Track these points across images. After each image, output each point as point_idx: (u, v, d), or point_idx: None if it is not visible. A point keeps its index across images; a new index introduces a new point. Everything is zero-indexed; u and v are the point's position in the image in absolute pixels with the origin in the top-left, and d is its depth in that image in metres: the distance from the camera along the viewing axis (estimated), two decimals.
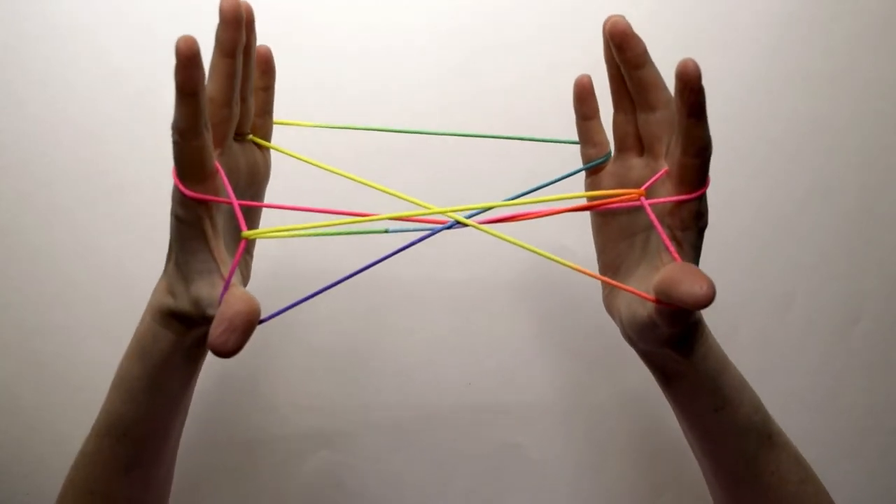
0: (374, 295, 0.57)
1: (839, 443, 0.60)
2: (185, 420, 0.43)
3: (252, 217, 0.43)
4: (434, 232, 0.37)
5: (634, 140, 0.41)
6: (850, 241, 0.60)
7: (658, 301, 0.35)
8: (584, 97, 0.43)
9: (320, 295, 0.36)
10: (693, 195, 0.37)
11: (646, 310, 0.37)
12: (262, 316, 0.33)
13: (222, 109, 0.37)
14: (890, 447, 0.61)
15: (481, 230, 0.37)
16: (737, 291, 0.59)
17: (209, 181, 0.35)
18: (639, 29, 0.37)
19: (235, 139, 0.40)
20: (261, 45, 0.41)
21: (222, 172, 0.36)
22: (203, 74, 0.33)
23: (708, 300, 0.31)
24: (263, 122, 0.43)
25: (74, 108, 0.54)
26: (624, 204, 0.39)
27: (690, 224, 0.37)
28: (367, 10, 0.56)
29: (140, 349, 0.38)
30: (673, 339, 0.38)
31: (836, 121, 0.60)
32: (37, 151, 0.55)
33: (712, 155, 0.36)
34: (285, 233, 0.35)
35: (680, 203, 0.37)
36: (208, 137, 0.35)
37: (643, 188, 0.38)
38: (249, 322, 0.31)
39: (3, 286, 0.55)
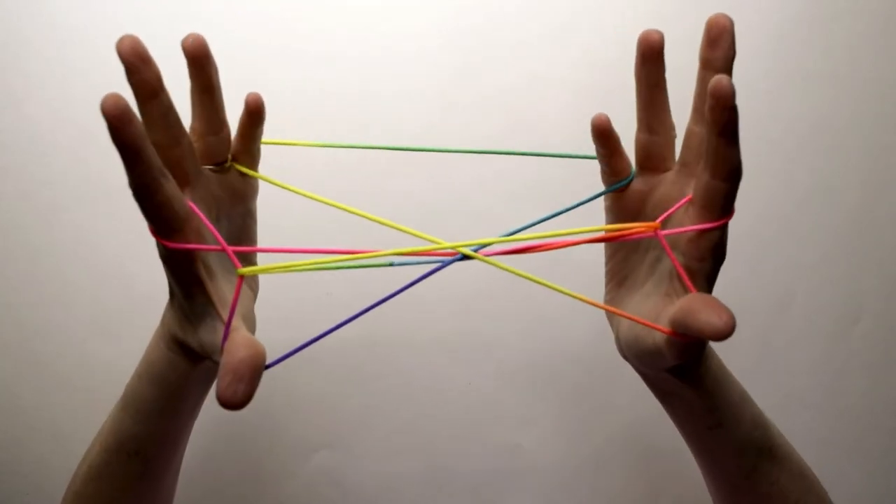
0: (375, 295, 0.57)
1: (839, 443, 0.60)
2: (192, 428, 0.43)
3: (246, 244, 0.41)
4: (443, 265, 0.35)
5: (660, 157, 0.39)
6: (850, 241, 0.60)
7: (674, 334, 0.34)
8: (604, 136, 0.39)
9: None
10: (715, 224, 0.34)
11: (651, 337, 0.36)
12: (268, 360, 0.32)
13: (172, 150, 0.34)
14: (890, 447, 0.61)
15: (490, 263, 0.35)
16: (737, 291, 0.59)
17: (187, 225, 0.33)
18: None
19: (215, 168, 0.39)
20: (250, 94, 0.39)
21: (198, 211, 0.34)
22: (141, 129, 0.30)
23: (728, 332, 0.30)
24: (248, 147, 0.40)
25: (74, 108, 0.54)
26: (641, 235, 0.37)
27: (707, 256, 0.35)
28: (367, 15, 0.56)
29: (154, 374, 0.38)
30: (675, 368, 0.37)
31: (836, 121, 0.60)
32: (37, 151, 0.55)
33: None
34: (283, 269, 0.33)
35: (704, 232, 0.35)
36: (169, 186, 0.32)
37: (659, 220, 0.36)
38: (255, 368, 0.30)
39: (3, 286, 0.55)
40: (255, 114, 0.39)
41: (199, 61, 0.35)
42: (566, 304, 0.58)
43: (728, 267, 0.62)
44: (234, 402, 0.29)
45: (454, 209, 0.57)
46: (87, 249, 0.55)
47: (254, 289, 0.42)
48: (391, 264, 0.35)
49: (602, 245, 0.43)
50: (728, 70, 0.36)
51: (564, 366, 0.58)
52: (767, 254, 0.60)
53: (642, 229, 0.36)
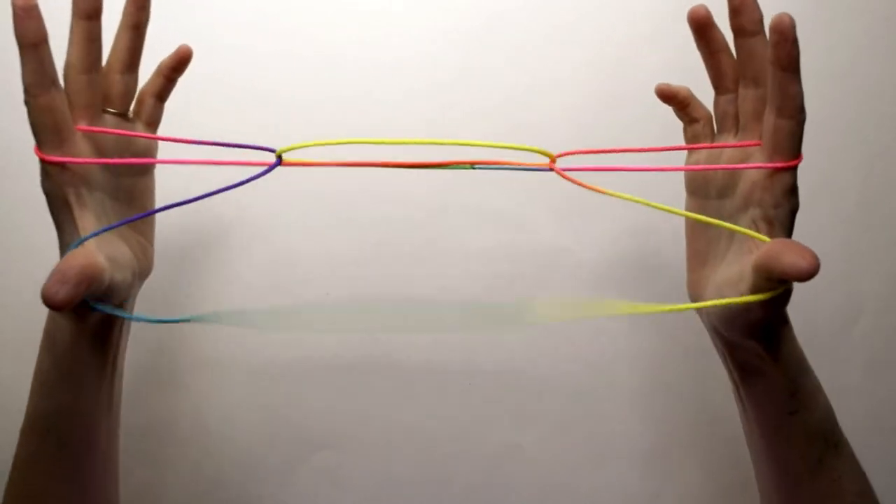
0: (376, 295, 0.57)
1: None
2: (116, 423, 0.42)
3: (143, 204, 0.42)
4: (522, 168, 0.37)
5: (733, 121, 0.40)
6: (850, 241, 0.60)
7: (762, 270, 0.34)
8: (671, 99, 0.42)
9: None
10: (789, 164, 0.36)
11: (739, 294, 0.36)
12: (107, 276, 0.33)
13: (80, 76, 0.36)
14: (890, 447, 0.61)
15: (571, 180, 0.37)
16: None
17: (67, 145, 0.34)
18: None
19: (119, 116, 0.39)
20: (184, 45, 0.42)
21: (88, 141, 0.36)
22: (43, 28, 0.33)
23: (812, 271, 0.31)
24: (153, 105, 0.42)
25: None
26: (743, 144, 0.39)
27: (783, 200, 0.36)
28: (368, 18, 0.56)
29: (47, 341, 0.38)
30: (761, 328, 0.37)
31: (836, 121, 0.60)
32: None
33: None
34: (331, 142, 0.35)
35: (773, 176, 0.36)
36: (58, 97, 0.34)
37: (761, 141, 0.38)
38: (83, 276, 0.31)
39: (4, 286, 0.55)
40: (184, 59, 0.42)
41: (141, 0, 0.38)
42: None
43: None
44: (53, 301, 0.30)
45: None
46: None
47: (139, 257, 0.41)
48: (472, 167, 0.37)
49: (684, 228, 0.44)
50: (762, 31, 0.37)
51: (564, 366, 0.58)
52: None
53: (746, 144, 0.38)
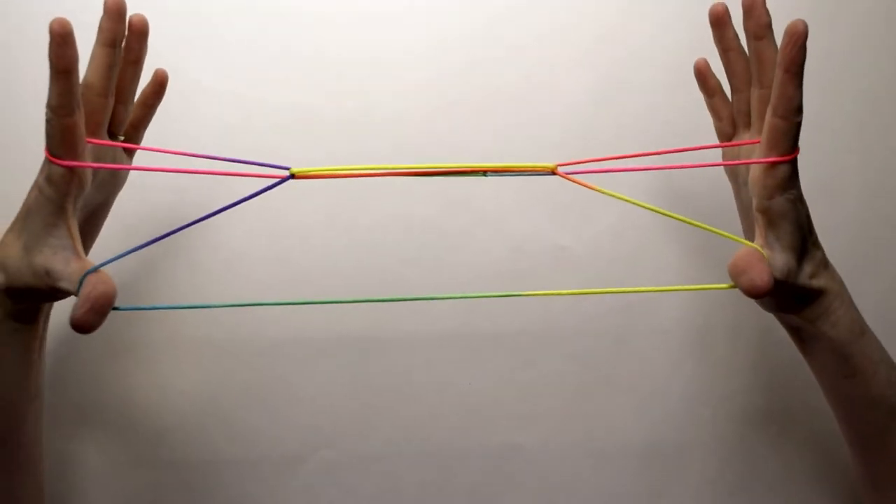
0: (376, 295, 0.57)
1: (840, 443, 0.60)
2: (40, 411, 0.43)
3: (89, 237, 0.46)
4: (532, 174, 0.38)
5: (745, 118, 0.44)
6: (850, 241, 0.60)
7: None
8: (702, 77, 0.47)
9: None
10: (778, 159, 0.37)
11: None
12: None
13: (99, 98, 0.40)
14: None
15: (579, 183, 0.38)
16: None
17: (80, 159, 0.37)
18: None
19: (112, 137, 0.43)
20: (160, 68, 0.46)
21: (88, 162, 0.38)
22: (76, 55, 0.35)
23: (758, 292, 0.36)
24: (135, 134, 0.47)
25: None
26: (743, 143, 0.43)
27: (775, 193, 0.38)
28: (370, 20, 0.57)
29: None
30: (783, 305, 0.41)
31: (836, 121, 0.60)
32: (37, 151, 0.55)
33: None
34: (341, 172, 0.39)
35: (768, 171, 0.38)
36: (80, 118, 0.36)
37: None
38: (109, 304, 0.35)
39: None
40: (161, 85, 0.46)
41: (142, 36, 0.43)
42: (566, 302, 0.58)
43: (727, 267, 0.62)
44: (87, 328, 0.34)
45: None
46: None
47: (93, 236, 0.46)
48: (484, 174, 0.38)
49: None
50: (771, 35, 0.41)
51: (564, 366, 0.58)
52: None
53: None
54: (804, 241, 0.40)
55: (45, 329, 0.41)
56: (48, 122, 0.36)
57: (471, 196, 0.57)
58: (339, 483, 0.57)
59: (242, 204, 0.36)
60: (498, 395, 0.58)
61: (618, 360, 0.58)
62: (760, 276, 0.36)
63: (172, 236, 0.38)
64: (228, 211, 0.37)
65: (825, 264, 0.41)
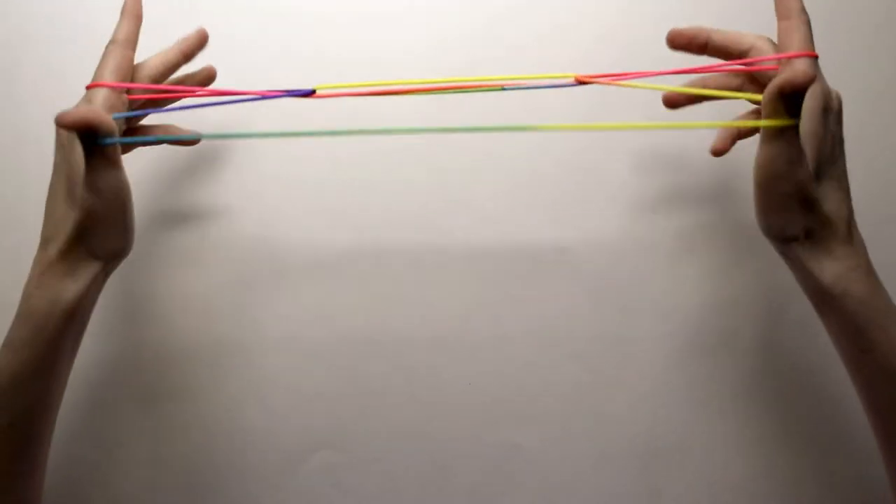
0: (376, 294, 0.57)
1: (840, 443, 0.60)
2: (60, 401, 0.44)
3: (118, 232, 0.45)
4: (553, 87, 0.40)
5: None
6: None
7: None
8: (681, 44, 0.47)
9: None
10: (800, 54, 0.41)
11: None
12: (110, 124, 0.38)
13: (146, 81, 0.45)
14: None
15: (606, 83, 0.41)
16: (737, 291, 0.59)
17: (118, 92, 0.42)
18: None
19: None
20: (202, 27, 0.49)
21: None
22: (142, 11, 0.44)
23: (804, 77, 0.36)
24: (162, 79, 0.48)
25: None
26: (762, 67, 0.46)
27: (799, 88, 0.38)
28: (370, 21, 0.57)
29: (25, 312, 0.42)
30: (783, 207, 0.41)
31: None
32: (37, 151, 0.55)
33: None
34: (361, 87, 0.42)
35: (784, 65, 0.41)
36: (132, 59, 0.43)
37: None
38: (93, 122, 0.37)
39: (4, 286, 0.55)
40: (204, 43, 0.49)
41: (207, 80, 0.50)
42: (567, 303, 0.58)
43: (728, 267, 0.63)
44: (64, 119, 0.36)
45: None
46: None
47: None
48: (502, 89, 0.39)
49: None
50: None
51: (565, 365, 0.58)
52: (766, 254, 0.60)
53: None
54: (833, 152, 0.41)
55: (88, 318, 0.44)
56: (108, 52, 0.42)
57: (471, 196, 0.58)
58: (339, 483, 0.57)
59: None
60: (498, 395, 0.58)
61: (618, 361, 0.58)
62: (805, 70, 0.37)
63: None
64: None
65: (847, 207, 0.43)
